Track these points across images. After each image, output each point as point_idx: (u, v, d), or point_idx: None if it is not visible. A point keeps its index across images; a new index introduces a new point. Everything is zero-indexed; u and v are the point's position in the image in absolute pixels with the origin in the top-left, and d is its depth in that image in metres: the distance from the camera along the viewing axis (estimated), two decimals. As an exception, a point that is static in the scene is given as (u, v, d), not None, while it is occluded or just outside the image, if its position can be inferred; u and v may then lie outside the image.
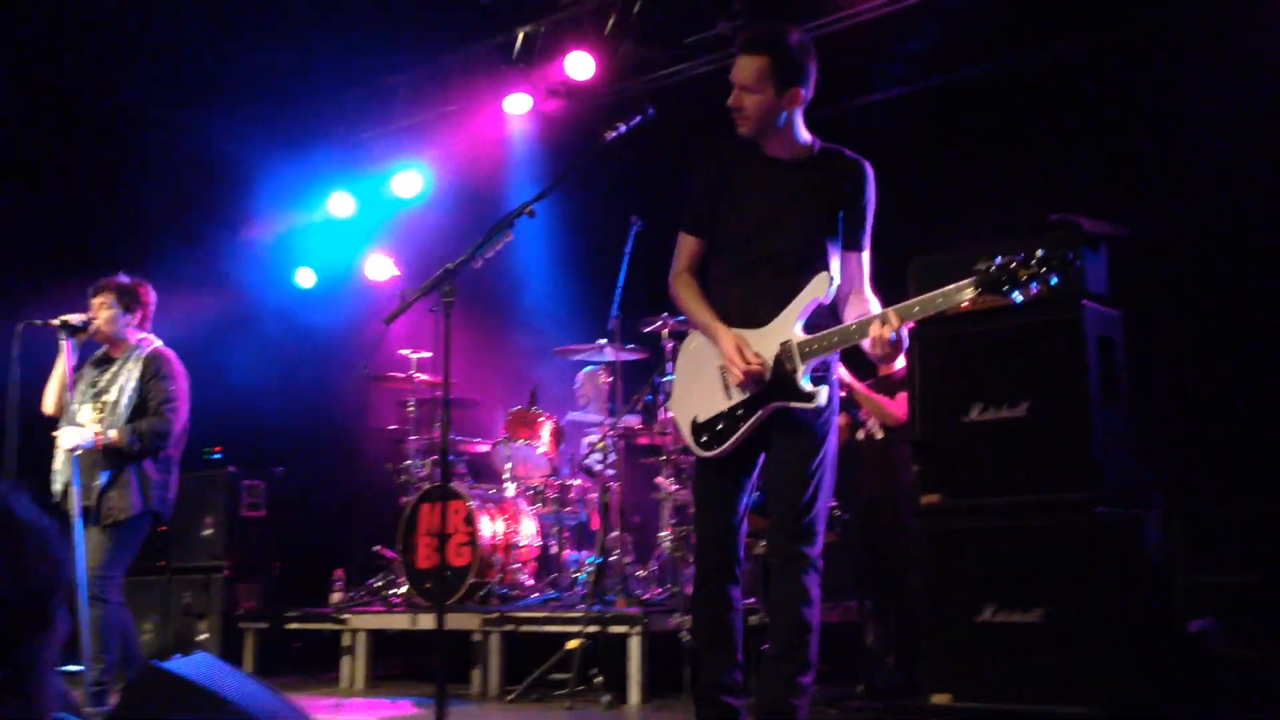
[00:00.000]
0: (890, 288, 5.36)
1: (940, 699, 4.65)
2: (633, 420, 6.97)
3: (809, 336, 3.50)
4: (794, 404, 3.49)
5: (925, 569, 4.71)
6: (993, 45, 6.97)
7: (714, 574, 3.66)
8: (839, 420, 3.89)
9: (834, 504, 5.63)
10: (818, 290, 3.51)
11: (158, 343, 5.64)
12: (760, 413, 3.54)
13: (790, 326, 3.52)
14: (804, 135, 3.68)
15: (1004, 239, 4.77)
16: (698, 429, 3.67)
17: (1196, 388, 6.25)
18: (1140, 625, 4.52)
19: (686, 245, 3.79)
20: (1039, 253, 3.20)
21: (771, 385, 3.51)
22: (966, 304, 3.45)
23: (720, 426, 3.61)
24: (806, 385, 3.47)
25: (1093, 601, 4.32)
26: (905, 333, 3.37)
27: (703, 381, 3.68)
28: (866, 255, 3.64)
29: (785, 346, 3.51)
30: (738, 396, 3.57)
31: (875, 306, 3.57)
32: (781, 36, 3.56)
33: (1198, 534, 5.98)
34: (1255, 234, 6.14)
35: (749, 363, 3.48)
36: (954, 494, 4.66)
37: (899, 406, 5.61)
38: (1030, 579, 4.45)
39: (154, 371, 5.45)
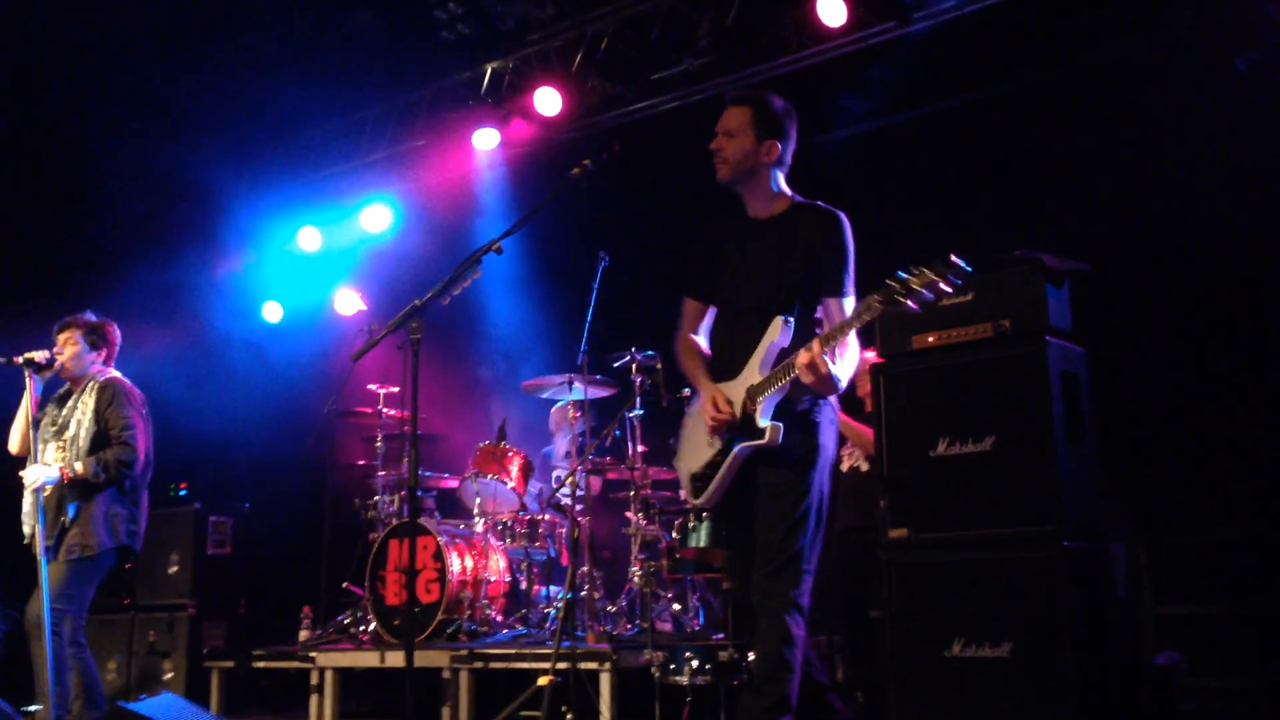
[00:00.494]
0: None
1: (909, 733, 4.67)
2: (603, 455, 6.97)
3: (761, 378, 3.68)
4: (752, 442, 3.64)
5: (891, 603, 4.73)
6: (952, 82, 7.08)
7: (748, 618, 3.79)
8: None
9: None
10: (773, 335, 3.69)
11: (112, 372, 5.60)
12: (732, 455, 3.68)
13: (754, 373, 3.71)
14: (783, 191, 3.90)
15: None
16: (692, 480, 3.88)
17: (1161, 421, 6.33)
18: (1107, 658, 4.56)
19: (686, 309, 4.07)
20: (927, 267, 3.42)
21: (739, 428, 3.68)
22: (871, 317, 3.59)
23: (706, 474, 3.80)
24: (762, 423, 3.62)
25: (1059, 635, 4.35)
26: (833, 364, 3.52)
27: (696, 436, 3.88)
28: (849, 300, 3.75)
29: (748, 391, 3.70)
30: (718, 445, 3.76)
31: (854, 350, 3.71)
32: (766, 94, 3.85)
33: (1163, 566, 6.04)
34: (1219, 268, 6.24)
35: (719, 411, 3.68)
36: (920, 528, 4.69)
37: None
38: (997, 613, 4.47)
39: (109, 399, 5.42)
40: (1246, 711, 5.51)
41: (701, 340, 4.00)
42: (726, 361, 3.83)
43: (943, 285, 3.37)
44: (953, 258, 3.38)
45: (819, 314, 3.74)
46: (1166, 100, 6.29)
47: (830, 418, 3.81)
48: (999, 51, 6.83)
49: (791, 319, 3.66)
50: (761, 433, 3.63)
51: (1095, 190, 6.55)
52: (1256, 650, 5.75)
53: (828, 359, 3.49)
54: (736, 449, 3.68)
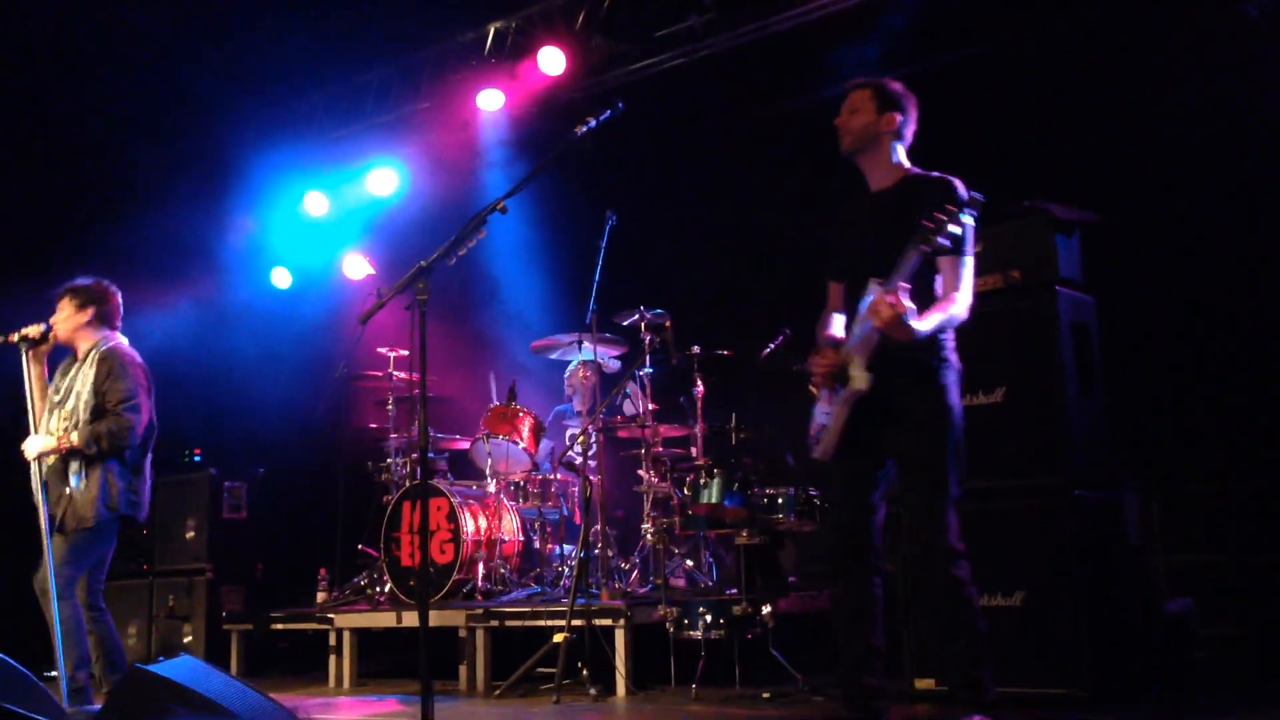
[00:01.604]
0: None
1: (924, 684, 4.71)
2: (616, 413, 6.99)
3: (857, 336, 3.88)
4: (848, 389, 3.85)
5: (904, 555, 4.75)
6: (959, 33, 7.00)
7: (847, 562, 3.95)
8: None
9: (815, 492, 5.67)
10: (866, 293, 3.80)
11: (116, 340, 5.58)
12: (840, 404, 3.88)
13: (856, 329, 3.88)
14: (902, 163, 4.07)
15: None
16: (818, 434, 4.03)
17: (1171, 370, 6.31)
18: (1119, 606, 4.58)
19: (829, 290, 4.22)
20: (949, 206, 3.61)
21: (844, 378, 3.88)
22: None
23: (825, 427, 3.98)
24: (853, 372, 3.83)
25: (1072, 584, 4.38)
26: (901, 304, 3.61)
27: (823, 399, 4.04)
28: (963, 260, 3.83)
29: (849, 350, 3.89)
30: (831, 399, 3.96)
31: (958, 304, 3.82)
32: (885, 79, 4.12)
33: (1175, 515, 6.05)
34: (1229, 218, 6.19)
35: (823, 362, 3.93)
36: (932, 480, 4.70)
37: None
38: (1010, 563, 4.51)
39: (107, 371, 5.40)
40: (1257, 657, 5.53)
41: (838, 318, 4.13)
42: (849, 327, 4.00)
43: (964, 216, 3.59)
44: (970, 193, 3.64)
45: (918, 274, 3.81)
46: (1178, 48, 6.23)
47: (954, 378, 3.90)
48: (1006, 1, 6.77)
49: (882, 281, 3.73)
50: (851, 379, 3.82)
51: (1106, 140, 6.50)
52: (1267, 597, 5.77)
53: (896, 306, 3.60)
54: (839, 400, 3.88)
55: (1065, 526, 4.43)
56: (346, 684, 6.60)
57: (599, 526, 6.51)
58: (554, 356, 7.53)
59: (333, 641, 6.72)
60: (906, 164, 4.07)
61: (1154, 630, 4.92)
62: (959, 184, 3.88)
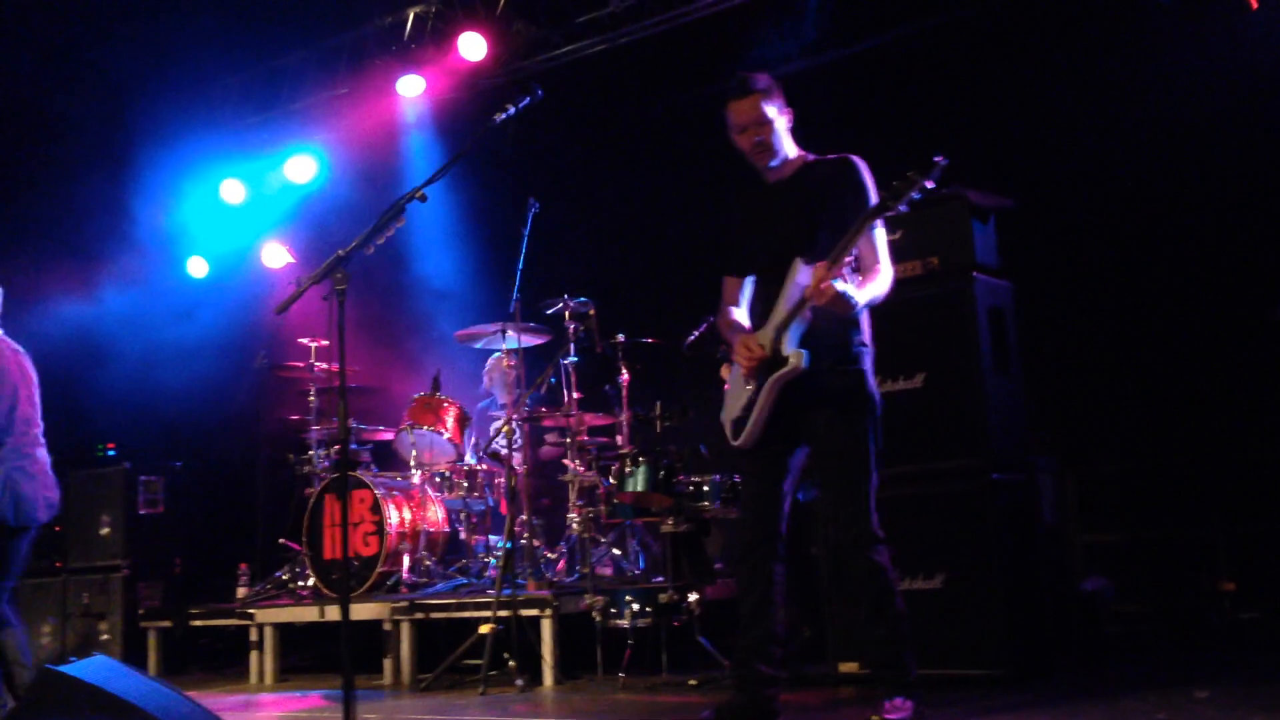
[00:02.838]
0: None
1: (848, 667, 4.76)
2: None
3: (784, 315, 3.81)
4: (781, 371, 3.77)
5: (828, 539, 4.80)
6: (877, 18, 7.07)
7: (755, 549, 3.91)
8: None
9: (739, 479, 5.70)
10: (793, 275, 3.79)
11: None
12: (765, 388, 3.81)
13: (780, 312, 3.82)
14: (797, 151, 4.04)
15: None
16: (734, 424, 3.96)
17: (1085, 353, 6.45)
18: (1037, 586, 4.67)
19: (724, 287, 4.16)
20: (908, 172, 3.56)
21: (769, 364, 3.81)
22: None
23: (744, 416, 3.91)
24: (786, 351, 3.76)
25: (991, 565, 4.45)
26: (844, 284, 3.62)
27: (736, 386, 3.98)
28: (880, 232, 3.83)
29: (774, 328, 3.83)
30: (754, 385, 3.88)
31: (883, 277, 3.82)
32: (756, 76, 3.99)
33: (1089, 496, 6.19)
34: (1141, 201, 6.33)
35: (750, 351, 3.82)
36: (855, 465, 4.74)
37: None
38: (930, 546, 4.57)
39: None
40: (1170, 634, 5.68)
41: (739, 312, 4.09)
42: (760, 318, 3.96)
43: (927, 183, 3.54)
44: (936, 158, 3.55)
45: (853, 252, 3.79)
46: (1091, 33, 6.35)
47: (871, 365, 3.90)
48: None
49: (809, 260, 3.73)
50: (786, 359, 3.75)
51: (1020, 126, 6.61)
52: (1179, 575, 5.93)
53: (839, 281, 3.60)
54: (769, 381, 3.80)
55: (984, 508, 4.50)
56: (269, 680, 6.51)
57: (524, 516, 6.48)
58: (479, 346, 7.48)
59: (254, 637, 6.62)
60: (798, 150, 4.05)
61: (1070, 609, 5.03)
62: (859, 162, 3.90)
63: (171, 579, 7.74)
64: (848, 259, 3.66)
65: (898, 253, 4.75)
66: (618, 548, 6.69)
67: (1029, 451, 4.99)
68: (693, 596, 5.36)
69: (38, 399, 5.38)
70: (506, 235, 6.61)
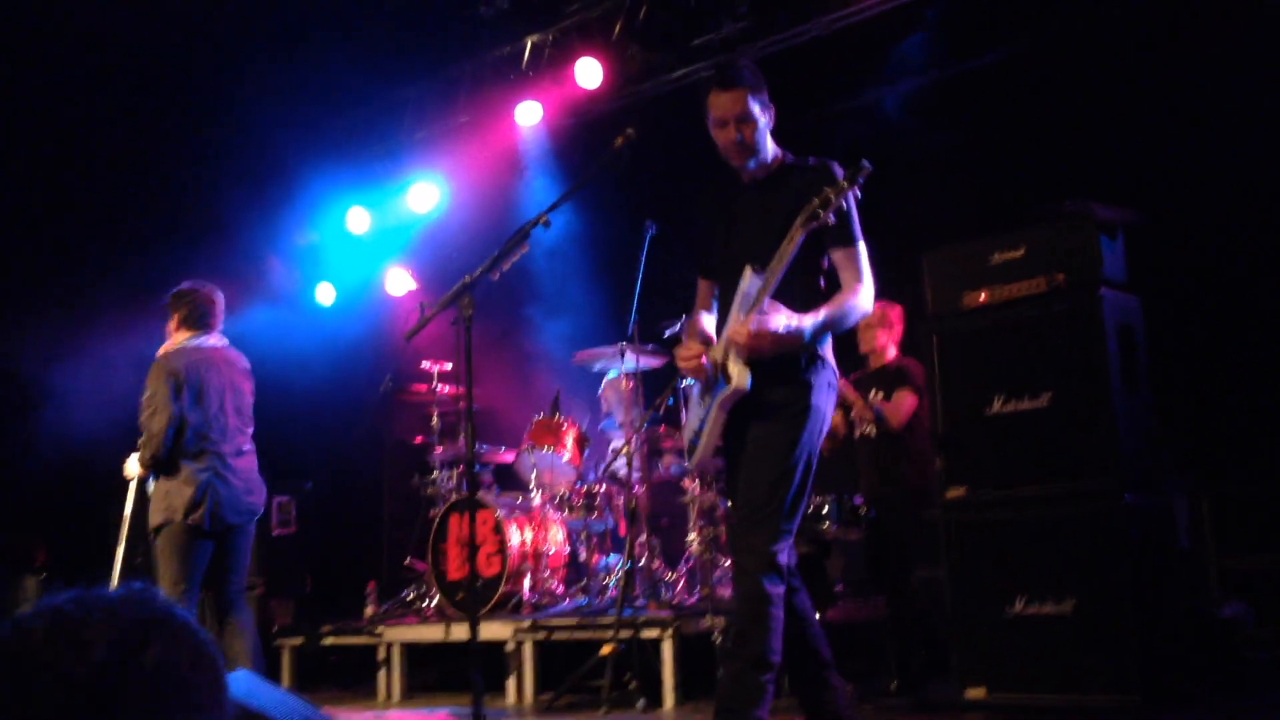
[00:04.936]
0: (908, 283, 5.39)
1: (975, 693, 4.67)
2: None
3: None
4: (725, 389, 3.55)
5: (950, 562, 4.72)
6: (997, 33, 6.97)
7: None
8: (833, 419, 3.95)
9: (859, 500, 5.64)
10: (743, 285, 3.59)
11: (169, 346, 5.53)
12: (713, 407, 3.61)
13: (732, 323, 3.61)
14: (776, 151, 3.77)
15: (1016, 230, 4.79)
16: (690, 443, 3.82)
17: (1219, 370, 6.23)
18: (1171, 612, 4.52)
19: (699, 288, 3.95)
20: (839, 175, 3.43)
21: (717, 383, 3.61)
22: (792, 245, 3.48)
23: (698, 433, 3.74)
24: (731, 369, 3.54)
25: (1123, 590, 4.33)
26: (783, 323, 3.41)
27: (695, 404, 3.83)
28: (857, 248, 3.58)
29: (724, 345, 3.61)
30: (707, 403, 3.69)
31: (859, 296, 3.58)
32: (742, 66, 3.69)
33: (1226, 518, 5.97)
34: (1273, 214, 6.11)
35: (686, 357, 3.66)
36: (978, 486, 4.68)
37: (897, 410, 5.61)
38: (1059, 569, 4.46)
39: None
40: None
41: (708, 318, 3.89)
42: (722, 322, 3.74)
43: (855, 190, 3.37)
44: (863, 162, 3.37)
45: (825, 264, 3.63)
46: (1221, 43, 6.15)
47: (828, 380, 3.65)
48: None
49: (759, 269, 3.53)
50: (730, 377, 3.53)
51: (1148, 138, 6.43)
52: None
53: (778, 317, 3.40)
54: (716, 402, 3.60)
55: (1115, 531, 4.37)
56: (396, 697, 6.65)
57: (644, 537, 6.51)
58: (597, 368, 7.55)
59: (381, 655, 6.77)
60: (777, 151, 3.78)
61: (1206, 635, 4.86)
62: (839, 170, 3.59)
63: (303, 597, 7.97)
64: (772, 301, 3.44)
65: (1021, 269, 4.68)
66: (737, 569, 6.67)
67: (1162, 473, 4.84)
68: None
69: (247, 408, 5.64)
70: (624, 258, 6.67)
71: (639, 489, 6.53)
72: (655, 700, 5.53)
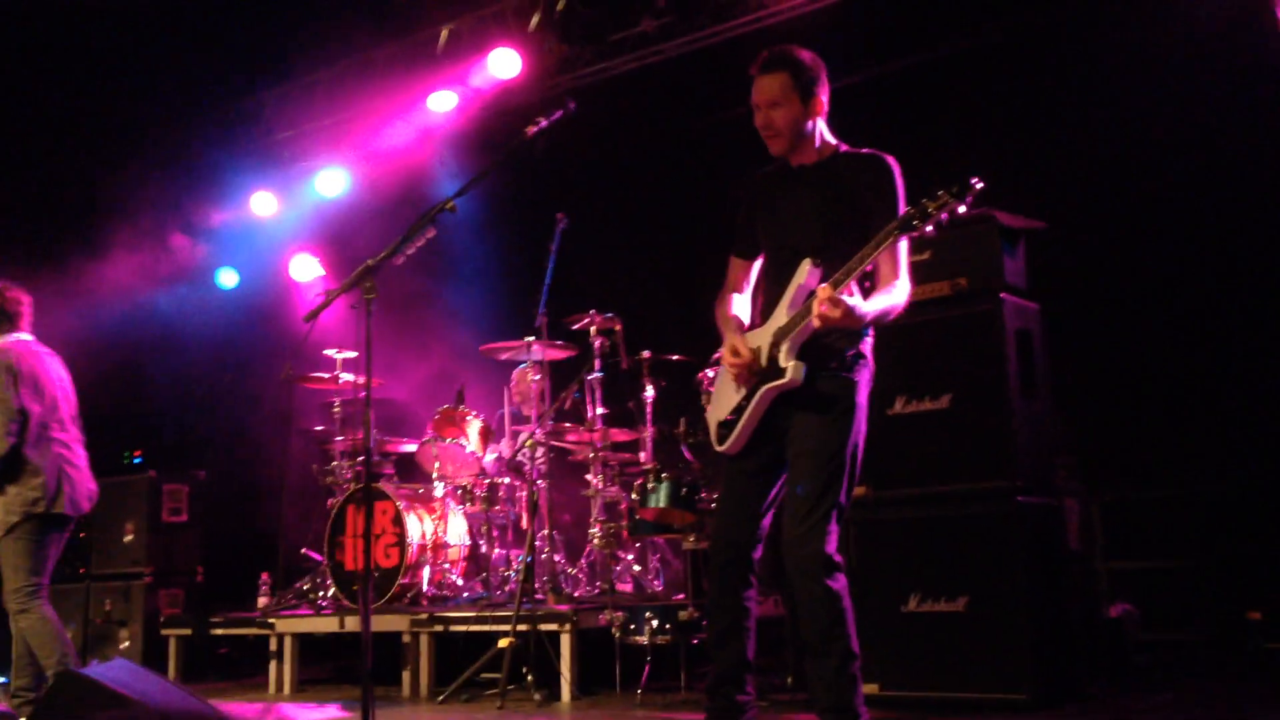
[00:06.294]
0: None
1: (868, 689, 4.69)
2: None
3: (787, 320, 3.60)
4: (776, 382, 3.57)
5: (850, 560, 4.76)
6: (910, 39, 7.07)
7: (727, 571, 3.74)
8: None
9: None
10: (800, 278, 3.59)
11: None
12: (757, 397, 3.62)
13: (782, 316, 3.62)
14: (828, 140, 3.78)
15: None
16: (719, 427, 3.78)
17: (1113, 376, 6.39)
18: (1061, 611, 4.62)
19: (730, 267, 3.95)
20: (940, 191, 3.30)
21: (764, 372, 3.62)
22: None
23: (731, 420, 3.72)
24: (784, 363, 3.55)
25: (1014, 589, 4.40)
26: (855, 302, 3.38)
27: (724, 386, 3.81)
28: (901, 246, 3.56)
29: (774, 334, 3.63)
30: (744, 391, 3.69)
31: (904, 292, 3.58)
32: (793, 52, 3.71)
33: (1116, 521, 6.13)
34: (1175, 224, 6.29)
35: (736, 356, 3.63)
36: (879, 486, 4.73)
37: None
38: (954, 568, 4.53)
39: None
40: (1197, 662, 5.61)
41: (739, 299, 3.89)
42: (766, 309, 3.73)
43: (960, 206, 3.27)
44: (973, 180, 3.27)
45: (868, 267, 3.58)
46: (1122, 57, 6.31)
47: (866, 378, 3.67)
48: (958, 7, 6.83)
49: (819, 263, 3.55)
50: (783, 372, 3.54)
51: (1050, 147, 6.58)
52: (1207, 603, 5.85)
53: (847, 296, 3.37)
54: (761, 391, 3.60)
55: (1010, 532, 4.45)
56: (287, 689, 6.51)
57: (546, 531, 6.47)
58: (503, 359, 7.49)
59: (273, 646, 6.62)
60: (832, 140, 3.79)
61: (1095, 635, 4.97)
62: (892, 162, 3.65)
63: (193, 587, 7.77)
64: (854, 283, 3.45)
65: (926, 272, 4.74)
66: (639, 564, 6.68)
67: (1056, 475, 4.94)
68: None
69: (74, 399, 5.60)
70: (535, 251, 6.62)
71: (543, 482, 6.48)
72: (553, 694, 5.49)
